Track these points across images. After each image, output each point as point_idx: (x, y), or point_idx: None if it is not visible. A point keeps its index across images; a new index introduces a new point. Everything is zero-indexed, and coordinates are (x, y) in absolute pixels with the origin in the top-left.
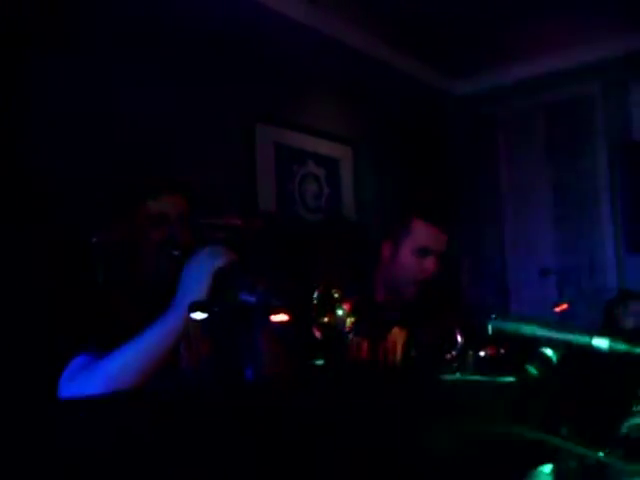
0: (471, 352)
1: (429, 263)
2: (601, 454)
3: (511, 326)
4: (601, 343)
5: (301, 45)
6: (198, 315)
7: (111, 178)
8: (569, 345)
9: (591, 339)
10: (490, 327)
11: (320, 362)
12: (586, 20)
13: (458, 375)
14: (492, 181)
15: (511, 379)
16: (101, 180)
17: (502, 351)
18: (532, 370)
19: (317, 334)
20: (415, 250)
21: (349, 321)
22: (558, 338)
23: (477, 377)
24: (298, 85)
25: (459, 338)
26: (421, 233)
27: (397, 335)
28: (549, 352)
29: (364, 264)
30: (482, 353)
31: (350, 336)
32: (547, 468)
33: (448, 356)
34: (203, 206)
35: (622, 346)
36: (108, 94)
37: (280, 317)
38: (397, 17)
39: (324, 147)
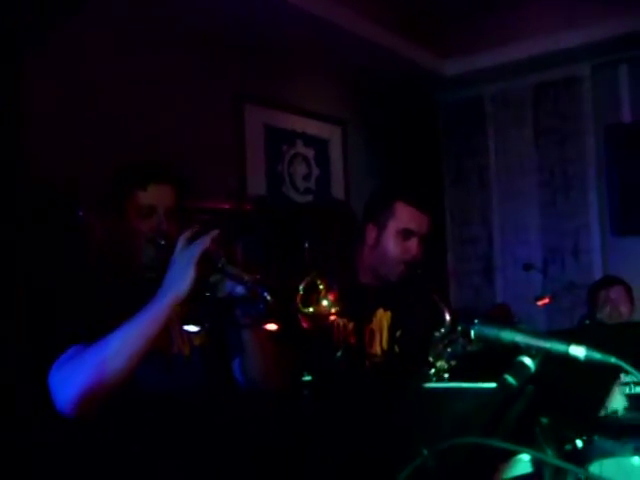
0: (460, 328)
1: (412, 245)
2: (579, 442)
3: (492, 332)
4: (577, 352)
5: (290, 25)
6: (191, 328)
7: (100, 161)
8: (547, 353)
9: (568, 347)
10: (473, 332)
11: (308, 378)
12: (576, 2)
13: (434, 381)
14: (480, 162)
15: (492, 385)
16: (90, 162)
17: None
18: (510, 379)
19: (304, 324)
20: (398, 232)
21: (333, 311)
22: (536, 346)
23: (458, 384)
24: (287, 65)
25: (447, 315)
26: (404, 215)
27: (382, 316)
28: (527, 360)
29: (351, 245)
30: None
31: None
32: (526, 456)
33: (437, 334)
34: (191, 190)
35: (597, 355)
36: (96, 79)
37: (270, 326)
38: None
39: (313, 127)
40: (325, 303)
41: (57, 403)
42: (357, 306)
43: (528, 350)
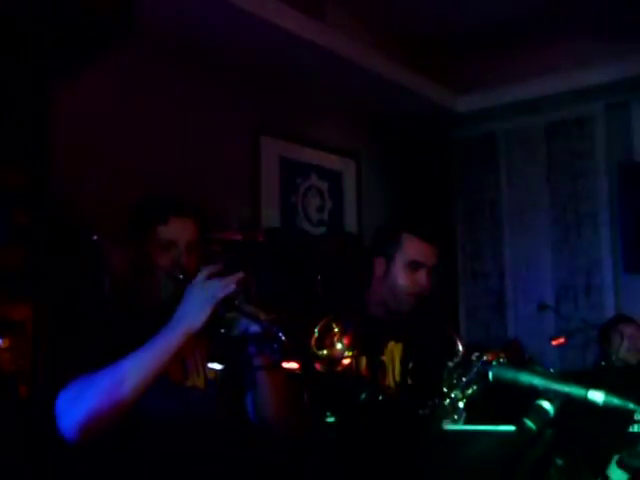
0: (475, 357)
1: (421, 276)
2: None
3: (510, 374)
4: (596, 397)
5: (306, 60)
6: (215, 365)
7: (120, 192)
8: (566, 397)
9: (587, 392)
10: (490, 374)
11: (331, 419)
12: (590, 41)
13: (450, 411)
14: (492, 198)
15: (510, 428)
16: (111, 193)
17: (502, 355)
18: (529, 423)
19: (318, 366)
20: (406, 264)
21: (347, 354)
22: (555, 390)
23: (477, 427)
24: (303, 99)
25: (460, 346)
26: (411, 247)
27: (393, 348)
28: (546, 405)
29: (362, 278)
30: (485, 358)
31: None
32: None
33: (450, 363)
34: (210, 223)
35: (616, 401)
36: (118, 113)
37: (291, 365)
38: (402, 33)
39: (327, 160)
40: (339, 347)
41: (61, 427)
42: (368, 339)
43: (546, 393)
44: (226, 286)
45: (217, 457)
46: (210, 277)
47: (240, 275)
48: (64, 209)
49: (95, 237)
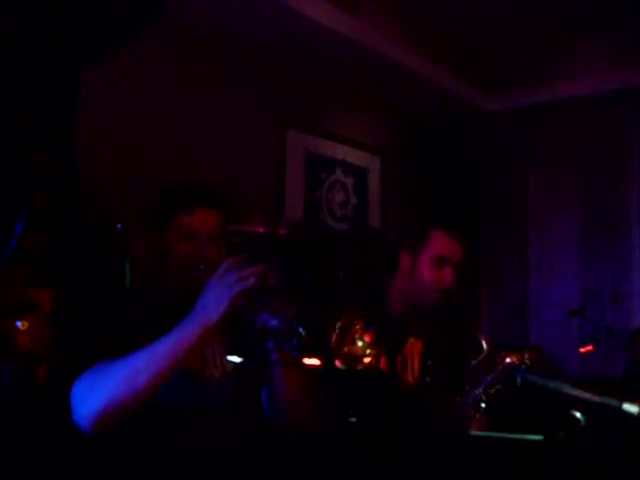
0: (499, 357)
1: (447, 273)
2: None
3: (539, 380)
4: (631, 408)
5: (336, 54)
6: (234, 358)
7: (145, 180)
8: (598, 407)
9: (621, 403)
10: (519, 378)
11: (354, 419)
12: (624, 45)
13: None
14: (520, 199)
15: (538, 437)
16: (136, 181)
17: (527, 356)
18: (560, 433)
19: (338, 364)
20: (433, 260)
21: (368, 353)
22: (587, 399)
23: (504, 434)
24: (330, 93)
25: (484, 343)
26: (439, 243)
27: (413, 345)
28: (577, 414)
29: (383, 274)
30: (508, 360)
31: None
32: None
33: (474, 362)
34: (235, 215)
35: None
36: (145, 102)
37: (313, 361)
38: (435, 30)
39: (353, 156)
40: (360, 344)
41: (76, 417)
42: (388, 335)
43: (577, 403)
44: (245, 279)
45: (230, 448)
46: (230, 269)
47: (259, 268)
48: (88, 193)
49: (119, 226)
